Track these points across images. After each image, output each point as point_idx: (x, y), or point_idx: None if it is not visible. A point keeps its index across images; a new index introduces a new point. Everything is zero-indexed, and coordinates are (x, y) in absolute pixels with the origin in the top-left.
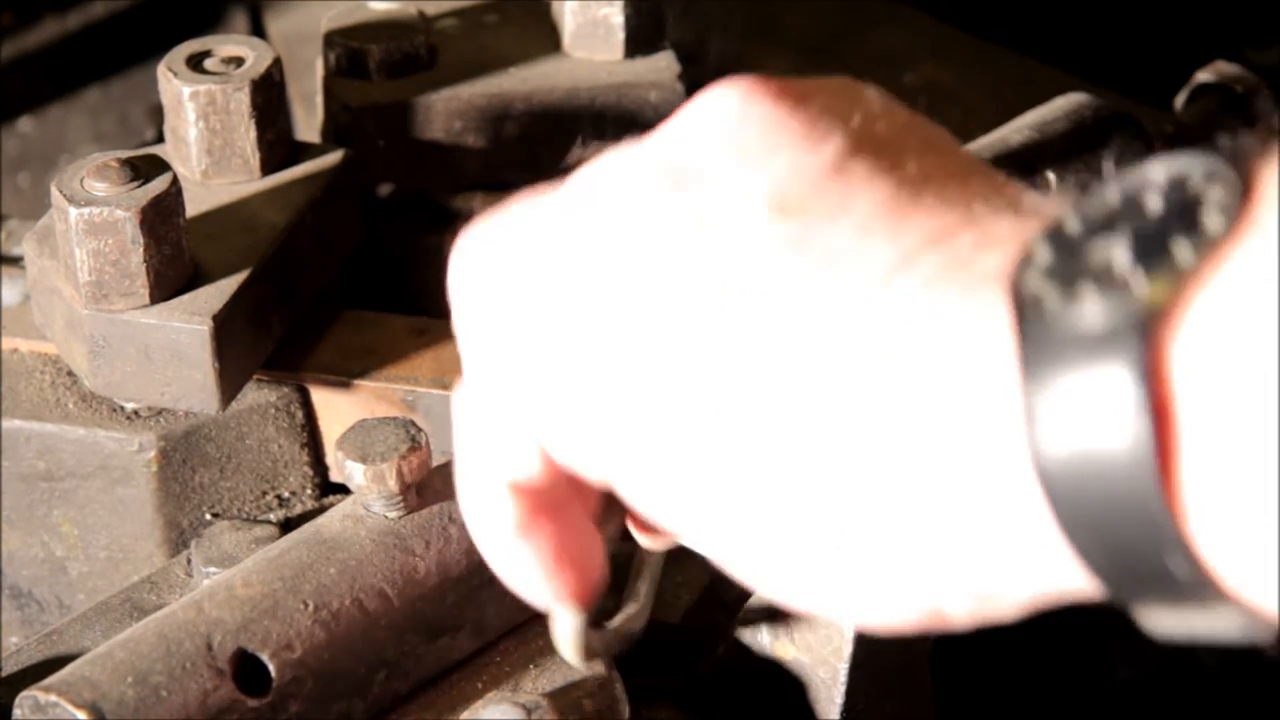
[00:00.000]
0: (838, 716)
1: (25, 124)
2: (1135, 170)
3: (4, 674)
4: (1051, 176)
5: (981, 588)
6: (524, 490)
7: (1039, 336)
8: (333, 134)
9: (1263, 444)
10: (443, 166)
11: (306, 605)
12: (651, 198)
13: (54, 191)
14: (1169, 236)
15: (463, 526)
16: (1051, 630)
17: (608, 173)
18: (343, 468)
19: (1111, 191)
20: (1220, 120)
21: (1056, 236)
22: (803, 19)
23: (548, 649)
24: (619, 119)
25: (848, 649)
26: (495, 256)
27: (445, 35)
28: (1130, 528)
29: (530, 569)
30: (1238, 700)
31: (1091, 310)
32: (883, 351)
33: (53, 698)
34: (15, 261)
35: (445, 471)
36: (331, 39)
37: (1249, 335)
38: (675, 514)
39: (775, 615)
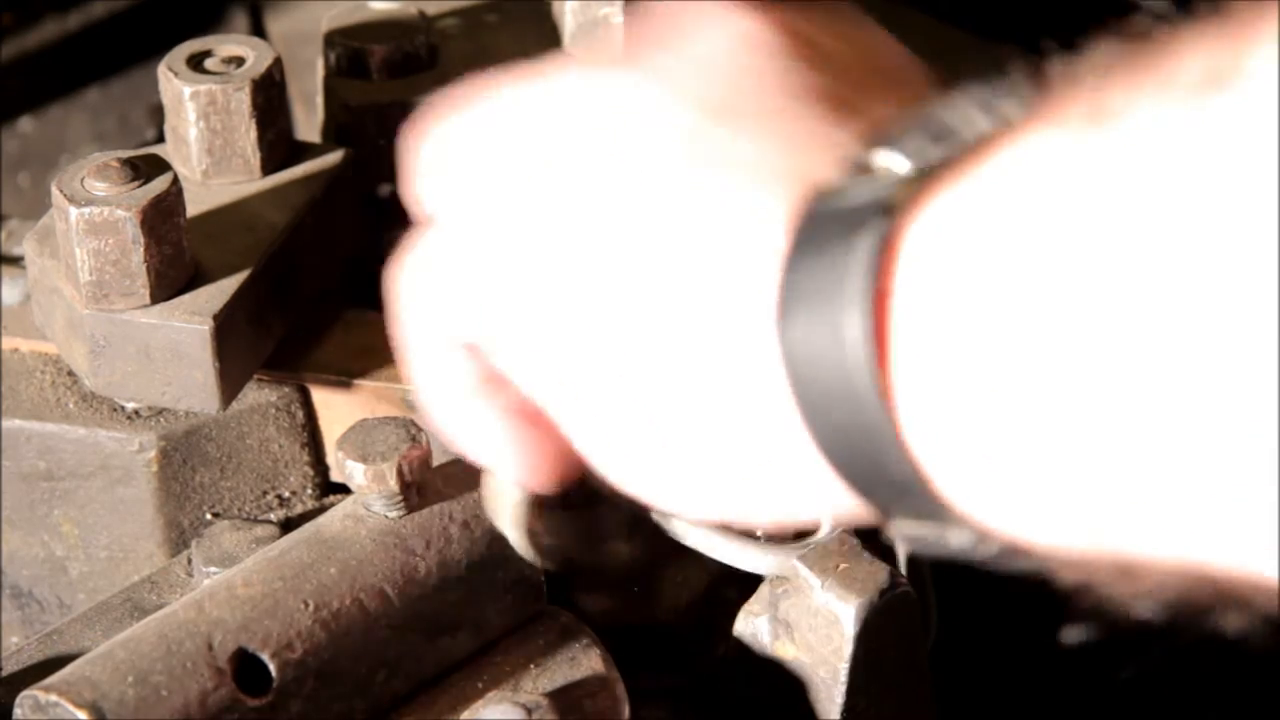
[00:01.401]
0: (838, 716)
1: (25, 124)
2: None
3: (4, 674)
4: None
5: (770, 490)
6: (479, 356)
7: (809, 215)
8: (333, 134)
9: (967, 349)
10: None
11: (307, 605)
12: (606, 109)
13: (54, 191)
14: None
15: (463, 526)
16: (1052, 630)
17: (582, 78)
18: (343, 467)
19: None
20: None
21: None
22: None
23: (548, 649)
24: None
25: (848, 649)
26: (466, 147)
27: (446, 35)
28: (854, 421)
29: (490, 425)
30: (1238, 700)
31: (851, 192)
32: (695, 243)
33: (53, 697)
34: (15, 261)
35: (446, 471)
36: (332, 39)
37: (971, 236)
38: (544, 385)
39: (775, 615)
